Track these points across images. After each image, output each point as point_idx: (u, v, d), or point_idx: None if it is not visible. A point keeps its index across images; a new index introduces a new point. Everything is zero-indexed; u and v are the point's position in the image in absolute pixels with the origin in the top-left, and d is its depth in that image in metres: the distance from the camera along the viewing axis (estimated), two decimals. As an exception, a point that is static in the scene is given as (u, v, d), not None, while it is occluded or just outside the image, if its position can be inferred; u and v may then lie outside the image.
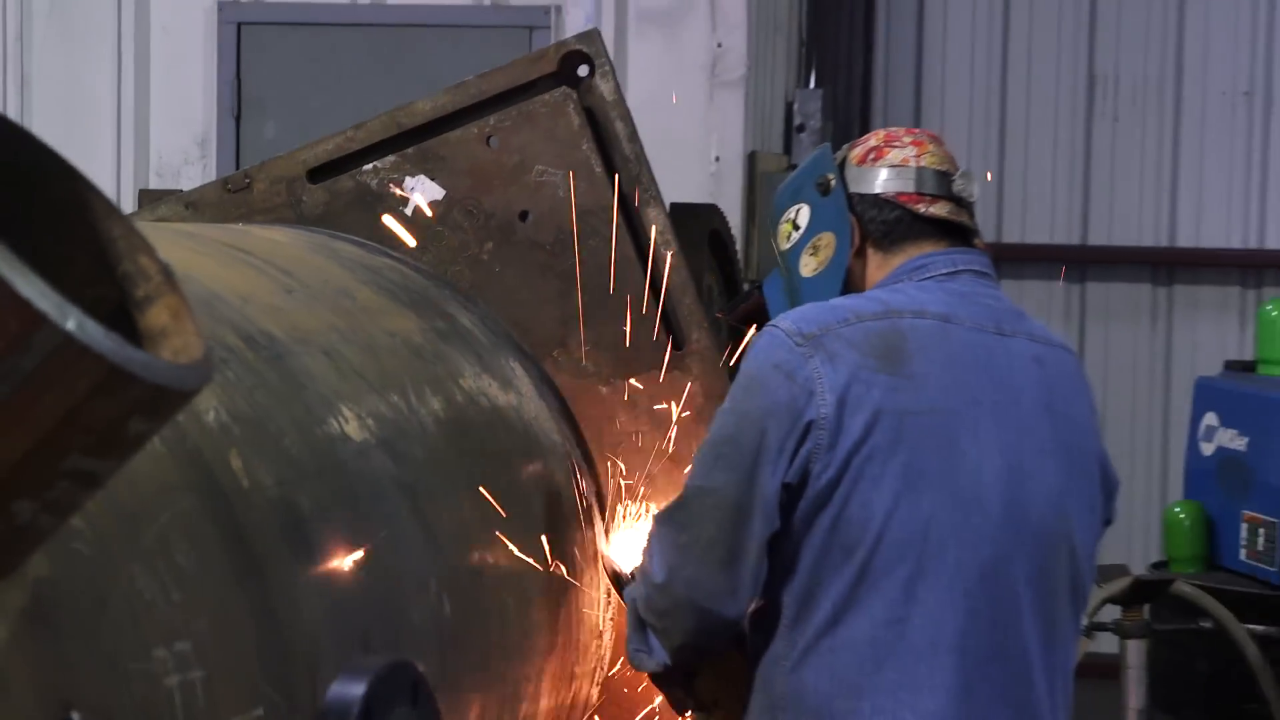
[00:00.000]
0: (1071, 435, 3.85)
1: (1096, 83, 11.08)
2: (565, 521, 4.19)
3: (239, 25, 9.05)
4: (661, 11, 8.81)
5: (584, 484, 4.38)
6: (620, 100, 4.61)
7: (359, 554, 3.05)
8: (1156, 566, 6.75)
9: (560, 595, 4.14)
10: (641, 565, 3.85)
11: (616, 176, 4.56)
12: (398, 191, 4.58)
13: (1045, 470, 3.76)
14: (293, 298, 3.62)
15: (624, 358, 4.52)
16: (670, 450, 4.49)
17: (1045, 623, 3.75)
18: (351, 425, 3.31)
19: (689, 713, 4.05)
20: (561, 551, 4.12)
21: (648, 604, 3.77)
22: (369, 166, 4.61)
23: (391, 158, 4.61)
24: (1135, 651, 5.36)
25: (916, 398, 3.64)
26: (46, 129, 8.42)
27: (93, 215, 2.09)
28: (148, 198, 5.04)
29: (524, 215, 4.56)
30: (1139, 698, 5.33)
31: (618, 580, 4.21)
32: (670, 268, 4.54)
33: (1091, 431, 3.94)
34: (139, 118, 9.16)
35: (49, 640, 2.14)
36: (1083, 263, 11.10)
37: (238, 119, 9.03)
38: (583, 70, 4.59)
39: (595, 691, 4.45)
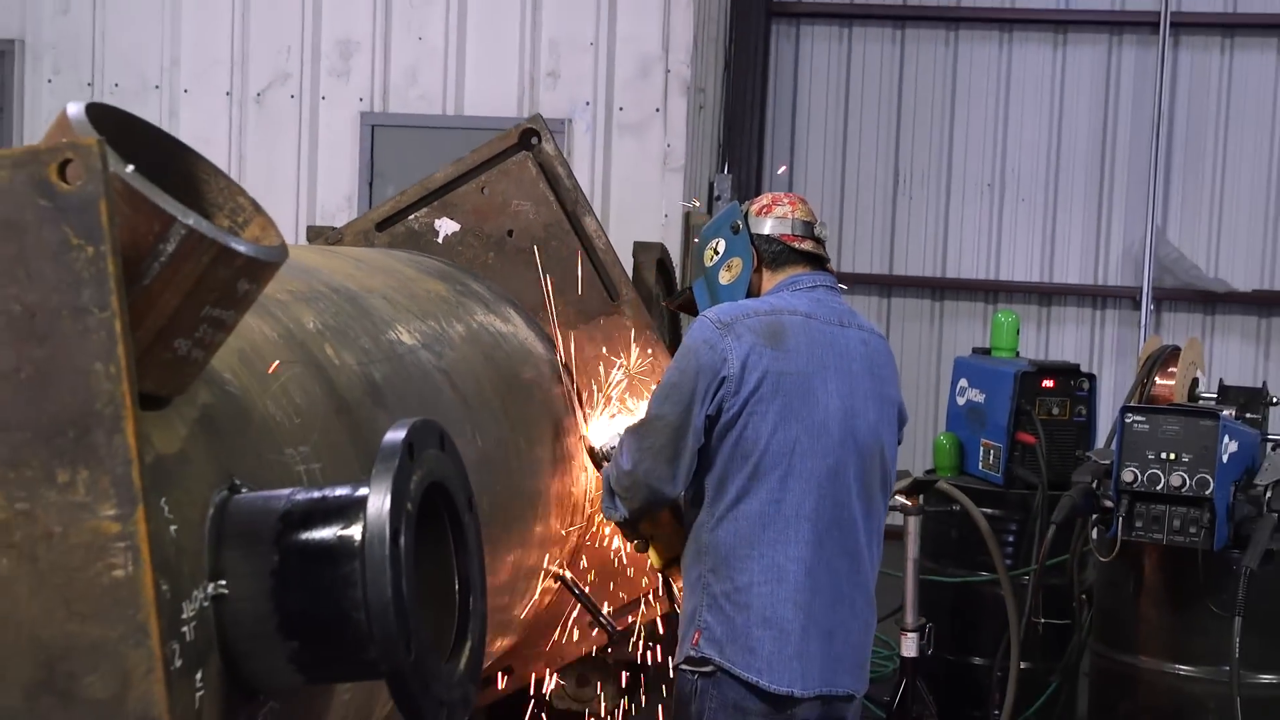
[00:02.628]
0: (882, 388, 3.96)
1: (899, 173, 11.29)
2: (554, 402, 4.20)
3: (373, 127, 9.16)
4: (633, 124, 8.91)
5: (565, 381, 4.43)
6: (559, 155, 4.67)
7: (414, 404, 3.09)
8: (929, 472, 6.78)
9: (557, 440, 4.16)
10: (614, 457, 3.94)
11: (562, 200, 4.65)
12: (432, 228, 4.69)
13: (867, 410, 3.88)
14: (360, 269, 3.65)
15: (583, 310, 4.59)
16: (619, 363, 4.59)
17: (866, 502, 3.88)
18: (404, 335, 3.35)
19: (634, 543, 4.14)
20: (554, 420, 4.17)
21: (617, 481, 3.88)
22: (411, 217, 4.67)
23: (424, 209, 4.68)
24: (913, 524, 5.40)
25: (789, 363, 3.76)
26: (254, 189, 8.61)
27: (210, 176, 2.19)
28: (313, 232, 5.12)
29: (510, 233, 4.62)
30: (914, 551, 5.37)
31: (593, 455, 4.34)
32: (601, 249, 4.64)
33: (895, 386, 4.04)
34: (310, 181, 9.25)
35: (215, 438, 2.17)
36: (888, 284, 11.28)
37: (370, 184, 9.10)
38: (533, 140, 4.64)
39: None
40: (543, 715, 5.00)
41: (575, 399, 4.46)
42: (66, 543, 1.81)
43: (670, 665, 4.11)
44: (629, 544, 4.21)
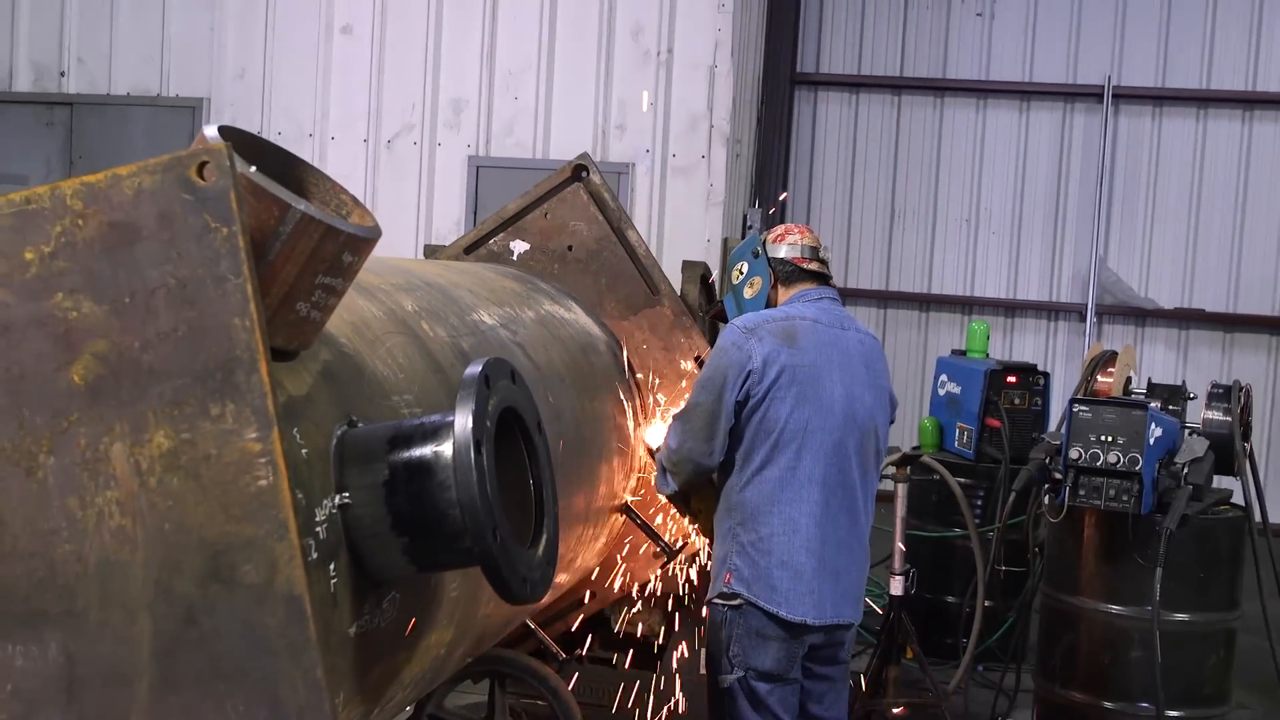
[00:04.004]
0: (876, 379, 3.95)
1: (895, 209, 11.20)
2: (611, 372, 4.18)
3: (478, 167, 9.24)
4: (683, 168, 8.97)
5: (623, 360, 4.39)
6: (604, 184, 4.61)
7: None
8: (914, 449, 6.73)
9: (614, 402, 4.11)
10: (665, 439, 3.93)
11: (608, 218, 4.61)
12: (508, 248, 4.68)
13: (865, 396, 3.88)
14: (449, 271, 3.64)
15: (630, 304, 4.54)
16: (664, 345, 4.56)
17: (863, 470, 3.88)
18: (485, 316, 3.36)
19: (685, 517, 4.15)
20: (611, 386, 4.12)
21: (667, 459, 3.88)
22: (491, 241, 4.63)
23: (500, 234, 4.63)
24: (901, 489, 5.32)
25: (801, 358, 3.76)
26: (383, 217, 8.73)
27: (319, 179, 2.22)
28: (429, 250, 5.12)
29: (569, 248, 4.57)
30: (902, 510, 5.30)
31: (650, 451, 4.29)
32: (642, 255, 4.59)
33: (886, 378, 4.03)
34: (428, 211, 9.33)
35: (335, 386, 2.21)
36: (884, 298, 11.21)
37: (474, 213, 9.15)
38: (583, 173, 4.59)
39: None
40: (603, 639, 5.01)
41: (628, 369, 4.42)
42: (221, 462, 1.87)
43: (702, 603, 4.12)
44: (683, 517, 4.20)
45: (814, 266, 4.02)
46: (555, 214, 4.63)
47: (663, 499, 4.11)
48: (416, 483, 2.06)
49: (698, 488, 3.97)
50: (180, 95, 9.68)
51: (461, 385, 2.10)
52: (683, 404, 3.92)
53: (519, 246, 4.60)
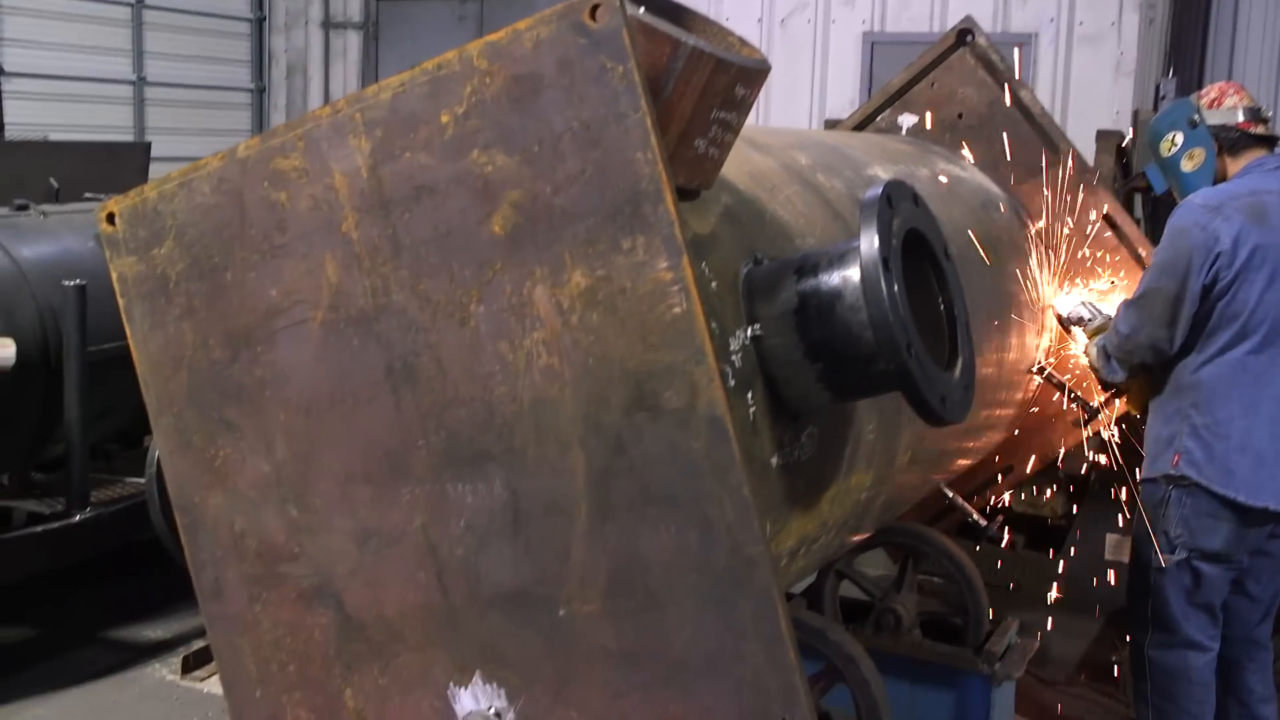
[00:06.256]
0: None
1: None
2: (1013, 227, 4.00)
3: (873, 44, 9.18)
4: (1089, 36, 8.62)
5: (1025, 219, 4.22)
6: (991, 45, 4.44)
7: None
8: None
9: (1019, 256, 3.94)
10: (1113, 328, 3.71)
11: (999, 80, 4.40)
12: (895, 124, 4.52)
13: None
14: (839, 136, 3.63)
15: (1028, 166, 4.30)
16: (1068, 206, 4.31)
17: None
18: (879, 171, 3.31)
19: (1114, 395, 3.98)
20: (1014, 242, 3.95)
21: (1118, 348, 3.68)
22: (879, 118, 4.52)
23: (888, 110, 4.52)
24: None
25: (1271, 238, 3.49)
26: (776, 97, 8.55)
27: (706, 25, 2.24)
28: (828, 124, 5.11)
29: (959, 116, 4.42)
30: None
31: (1060, 321, 4.11)
32: (1038, 114, 4.35)
33: None
34: (821, 90, 9.34)
35: (738, 226, 2.26)
36: None
37: (869, 91, 8.95)
38: (968, 38, 4.42)
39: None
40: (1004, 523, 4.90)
41: (1027, 226, 4.22)
42: (636, 293, 1.92)
43: (1129, 479, 3.95)
44: (1113, 397, 4.03)
45: (1260, 130, 3.71)
46: (942, 82, 4.48)
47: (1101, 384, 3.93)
48: (827, 307, 2.05)
49: (1137, 371, 3.76)
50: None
51: (862, 206, 2.07)
52: (1138, 288, 3.68)
53: (907, 121, 4.49)
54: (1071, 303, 4.14)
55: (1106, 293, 4.29)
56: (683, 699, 1.97)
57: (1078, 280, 4.31)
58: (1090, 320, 3.99)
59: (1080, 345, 4.03)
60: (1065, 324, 4.09)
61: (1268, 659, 3.83)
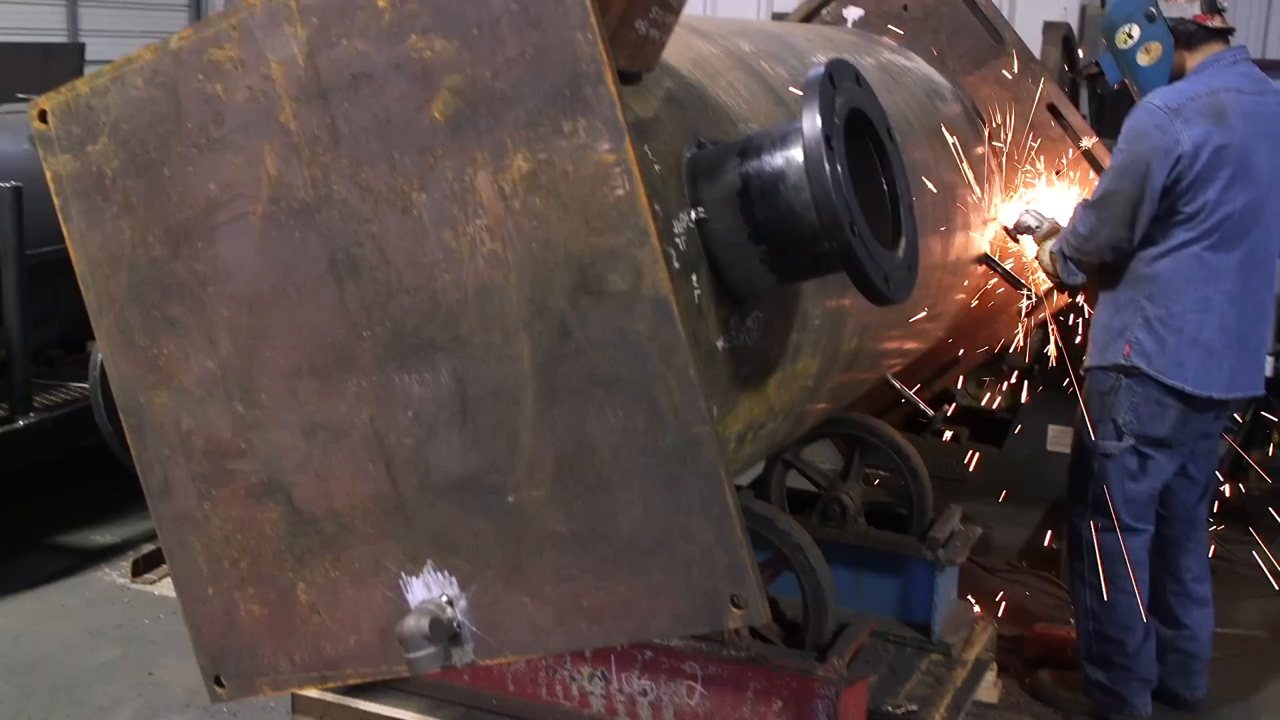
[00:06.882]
0: None
1: None
2: (956, 119, 3.98)
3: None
4: None
5: (970, 109, 4.21)
6: None
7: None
8: None
9: (964, 145, 3.89)
10: (1069, 229, 3.70)
11: None
12: (840, 16, 4.44)
13: None
14: (783, 26, 3.57)
15: (974, 58, 4.33)
16: (1013, 96, 4.30)
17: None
18: (820, 58, 3.13)
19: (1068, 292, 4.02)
20: (958, 130, 3.91)
21: (1076, 249, 3.67)
22: (824, 11, 4.38)
23: (834, 2, 4.38)
24: None
25: (1230, 138, 3.47)
26: None
27: None
28: (775, 16, 4.94)
29: (905, 7, 4.32)
30: None
31: (1008, 231, 4.12)
32: (983, 4, 4.32)
33: None
34: None
35: (680, 110, 2.23)
36: None
37: None
38: None
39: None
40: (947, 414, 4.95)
41: (973, 117, 4.20)
42: (578, 176, 1.90)
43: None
44: (1073, 295, 4.09)
45: (1217, 22, 3.66)
46: None
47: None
48: (770, 188, 2.04)
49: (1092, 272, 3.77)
50: None
51: (805, 85, 2.05)
52: (1096, 190, 3.67)
53: (852, 13, 4.43)
54: (1016, 212, 4.16)
55: (1046, 189, 4.31)
56: (632, 579, 1.99)
57: (1019, 187, 4.32)
58: (1038, 227, 3.99)
59: (1032, 252, 4.05)
60: (1013, 234, 4.10)
61: (1203, 539, 3.93)
